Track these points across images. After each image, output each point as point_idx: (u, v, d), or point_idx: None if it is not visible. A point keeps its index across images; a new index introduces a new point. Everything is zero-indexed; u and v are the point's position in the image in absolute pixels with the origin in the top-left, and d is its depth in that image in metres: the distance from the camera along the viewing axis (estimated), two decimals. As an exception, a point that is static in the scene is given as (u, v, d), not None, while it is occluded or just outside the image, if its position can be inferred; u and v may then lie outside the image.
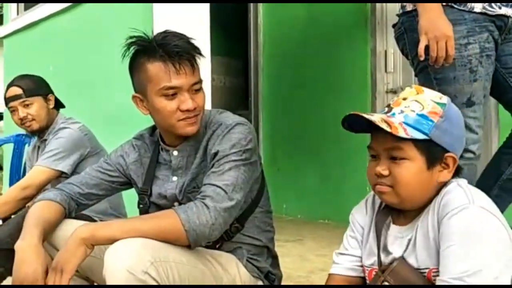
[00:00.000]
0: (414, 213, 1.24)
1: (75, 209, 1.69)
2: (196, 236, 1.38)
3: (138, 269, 1.27)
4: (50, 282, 1.37)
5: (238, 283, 1.54)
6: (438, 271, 1.14)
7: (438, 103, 1.20)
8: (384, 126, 1.14)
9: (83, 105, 3.17)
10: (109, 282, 1.28)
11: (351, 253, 1.35)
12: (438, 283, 1.09)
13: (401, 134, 1.14)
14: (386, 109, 1.24)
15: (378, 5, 3.96)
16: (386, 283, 1.19)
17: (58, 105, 2.54)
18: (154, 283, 1.29)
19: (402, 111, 1.19)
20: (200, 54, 1.57)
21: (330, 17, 4.18)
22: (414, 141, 1.16)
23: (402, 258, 1.21)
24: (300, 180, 4.37)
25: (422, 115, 1.18)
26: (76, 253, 1.37)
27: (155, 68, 1.50)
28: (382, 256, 1.26)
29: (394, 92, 3.86)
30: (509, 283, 1.06)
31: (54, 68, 4.23)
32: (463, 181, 1.21)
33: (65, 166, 2.31)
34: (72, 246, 1.37)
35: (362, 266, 1.33)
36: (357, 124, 1.23)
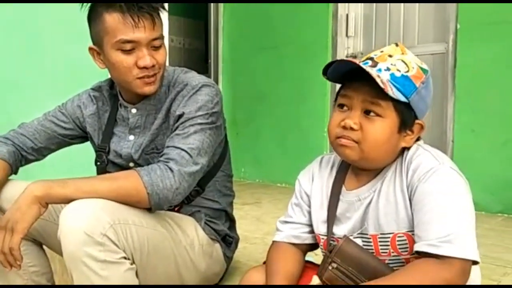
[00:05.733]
0: (368, 176, 1.21)
1: (20, 165, 1.61)
2: (159, 200, 1.34)
3: (96, 231, 1.22)
4: None
5: (196, 245, 1.53)
6: (403, 236, 1.13)
7: (421, 68, 1.17)
8: (379, 81, 1.08)
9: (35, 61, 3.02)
10: (64, 245, 1.23)
11: (295, 221, 1.31)
12: (416, 248, 1.06)
13: (390, 92, 1.09)
14: (370, 62, 1.17)
15: (340, -32, 3.92)
16: (334, 264, 1.16)
17: None
18: (113, 246, 1.25)
19: (388, 68, 1.14)
20: (163, 8, 1.49)
21: (292, -21, 4.12)
22: (394, 102, 1.12)
23: (347, 237, 1.18)
24: (259, 144, 4.38)
25: (407, 77, 1.14)
26: (29, 212, 1.27)
27: (113, 19, 1.42)
28: (336, 225, 1.24)
29: (354, 56, 3.87)
30: (475, 240, 1.05)
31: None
32: (423, 144, 1.20)
33: None
34: (24, 204, 1.27)
35: (311, 233, 1.30)
36: (336, 72, 1.17)
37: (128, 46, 1.43)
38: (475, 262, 1.05)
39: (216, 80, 4.65)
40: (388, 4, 3.75)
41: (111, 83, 1.66)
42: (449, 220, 1.05)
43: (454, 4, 3.32)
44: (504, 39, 3.11)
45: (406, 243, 1.14)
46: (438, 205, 1.07)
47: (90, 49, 1.52)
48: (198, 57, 5.56)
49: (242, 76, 4.52)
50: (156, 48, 1.48)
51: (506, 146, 3.11)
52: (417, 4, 3.59)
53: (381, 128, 1.13)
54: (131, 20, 1.41)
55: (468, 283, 1.05)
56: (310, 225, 1.31)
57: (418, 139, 1.20)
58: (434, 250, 1.03)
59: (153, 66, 1.46)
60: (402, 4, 3.67)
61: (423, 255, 1.05)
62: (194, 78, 1.53)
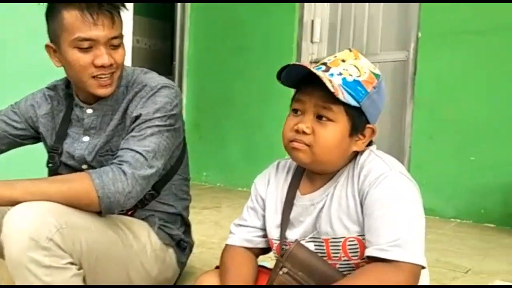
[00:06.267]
0: (322, 181, 1.22)
1: None
2: (110, 204, 1.31)
3: (42, 235, 1.18)
4: None
5: (149, 250, 1.50)
6: (354, 241, 1.14)
7: (374, 73, 1.19)
8: (329, 85, 1.09)
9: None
10: (7, 249, 1.18)
11: (249, 224, 1.31)
12: (367, 253, 1.08)
13: (341, 97, 1.11)
14: (323, 67, 1.19)
15: (306, -26, 3.96)
16: (284, 269, 1.17)
17: None
18: (59, 251, 1.22)
19: (340, 73, 1.16)
20: (124, 6, 1.46)
21: (258, -16, 4.13)
22: (345, 106, 1.13)
23: (298, 242, 1.19)
24: (222, 148, 4.36)
25: (358, 82, 1.15)
26: None
27: (71, 16, 1.38)
28: (289, 229, 1.24)
29: (317, 62, 3.90)
30: (423, 246, 1.07)
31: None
32: (375, 149, 1.21)
33: None
34: None
35: (265, 237, 1.30)
36: (290, 77, 1.18)
37: (85, 44, 1.40)
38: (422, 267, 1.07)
39: (181, 82, 4.62)
40: (353, 11, 3.81)
41: (67, 82, 1.62)
42: (398, 225, 1.06)
43: (416, 13, 3.40)
44: (463, 49, 3.20)
45: (357, 248, 1.15)
46: (388, 210, 1.08)
47: (47, 46, 1.48)
48: (163, 58, 5.52)
49: (207, 78, 4.50)
50: (115, 47, 1.45)
51: (461, 153, 3.20)
52: (381, 12, 3.66)
53: (332, 132, 1.15)
54: (89, 18, 1.38)
55: None
56: (264, 229, 1.31)
57: (370, 143, 1.22)
58: (383, 254, 1.05)
59: (111, 65, 1.43)
60: (366, 11, 3.73)
61: (374, 260, 1.06)
62: (154, 79, 1.51)
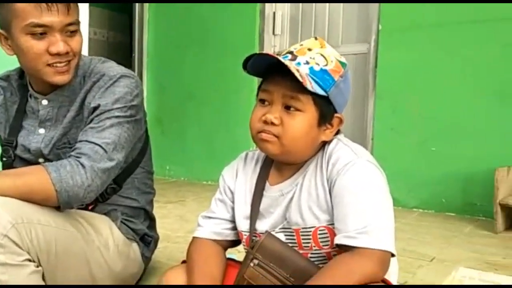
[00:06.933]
0: (291, 171, 1.21)
1: None
2: (68, 198, 1.25)
3: None
4: None
5: (111, 245, 1.44)
6: (324, 230, 1.13)
7: (340, 62, 1.17)
8: (297, 75, 1.07)
9: None
10: (-42, 247, 1.11)
11: (218, 216, 1.28)
12: (336, 241, 1.07)
13: (309, 86, 1.09)
14: (289, 55, 1.16)
15: (267, -34, 3.93)
16: (255, 261, 1.14)
17: None
18: (15, 247, 1.15)
19: (307, 62, 1.14)
20: None
21: (219, -24, 4.08)
22: (313, 96, 1.11)
23: (269, 233, 1.17)
24: (185, 141, 4.31)
25: (325, 71, 1.13)
26: None
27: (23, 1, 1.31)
28: (259, 220, 1.22)
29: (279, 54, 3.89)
30: (392, 233, 1.07)
31: None
32: (343, 138, 1.20)
33: None
34: None
35: (234, 230, 1.27)
36: (257, 66, 1.14)
37: (39, 30, 1.32)
38: (392, 255, 1.06)
39: (141, 75, 4.52)
40: (314, 4, 3.81)
41: (20, 72, 1.55)
42: (366, 212, 1.06)
43: (377, 6, 3.42)
44: (423, 42, 3.25)
45: (327, 236, 1.14)
46: (355, 198, 1.08)
47: None
48: (122, 51, 5.39)
49: (168, 71, 4.43)
50: (71, 33, 1.38)
51: (423, 145, 3.25)
52: (341, 4, 3.67)
53: (301, 122, 1.13)
54: (43, 3, 1.30)
55: (386, 276, 1.06)
56: (233, 222, 1.28)
57: (337, 133, 1.21)
58: (351, 242, 1.04)
59: (67, 53, 1.37)
60: (327, 4, 3.74)
61: (343, 248, 1.06)
62: (112, 68, 1.45)
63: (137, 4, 4.54)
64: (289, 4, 3.92)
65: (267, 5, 3.96)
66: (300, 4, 3.87)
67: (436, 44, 3.20)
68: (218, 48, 4.10)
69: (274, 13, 3.95)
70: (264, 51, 3.91)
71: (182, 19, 4.30)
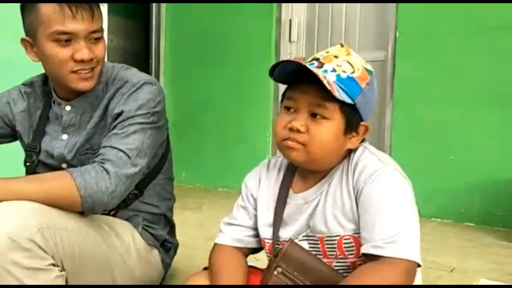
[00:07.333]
0: (315, 178, 1.20)
1: None
2: (92, 203, 1.25)
3: (22, 236, 1.13)
4: None
5: (132, 251, 1.45)
6: (349, 239, 1.12)
7: (366, 69, 1.16)
8: (325, 82, 1.06)
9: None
10: (-15, 251, 1.12)
11: (240, 223, 1.28)
12: (363, 251, 1.06)
13: (336, 94, 1.07)
14: (316, 62, 1.15)
15: (284, -26, 3.95)
16: (279, 269, 1.14)
17: None
18: (40, 252, 1.16)
19: (334, 70, 1.13)
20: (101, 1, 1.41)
21: (236, -17, 4.10)
22: (340, 104, 1.10)
23: (292, 241, 1.16)
24: (201, 148, 4.31)
25: (352, 79, 1.12)
26: None
27: (48, 8, 1.33)
28: (282, 228, 1.21)
29: (297, 62, 3.90)
30: (419, 243, 1.06)
31: None
32: (369, 146, 1.19)
33: None
34: None
35: (255, 237, 1.27)
36: (281, 72, 1.14)
37: (64, 37, 1.34)
38: (418, 265, 1.05)
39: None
40: (330, 10, 3.81)
41: (44, 79, 1.57)
42: (393, 221, 1.05)
43: (394, 13, 3.41)
44: (440, 50, 3.22)
45: (353, 246, 1.13)
46: (382, 207, 1.07)
47: (23, 40, 1.42)
48: (139, 58, 5.42)
49: (185, 79, 4.45)
50: (95, 40, 1.39)
51: (441, 153, 3.22)
52: (358, 11, 3.66)
53: (327, 130, 1.12)
54: (68, 10, 1.32)
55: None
56: (255, 229, 1.28)
57: (363, 141, 1.20)
58: (379, 252, 1.03)
59: (91, 60, 1.38)
60: (344, 11, 3.73)
61: (370, 258, 1.04)
62: (135, 75, 1.46)
63: (154, 12, 4.58)
64: (305, 11, 3.93)
65: (284, 12, 3.97)
66: (317, 10, 3.87)
67: (454, 53, 3.18)
68: (235, 55, 4.11)
69: (290, 20, 3.96)
70: (280, 58, 3.92)
71: (198, 27, 4.32)
